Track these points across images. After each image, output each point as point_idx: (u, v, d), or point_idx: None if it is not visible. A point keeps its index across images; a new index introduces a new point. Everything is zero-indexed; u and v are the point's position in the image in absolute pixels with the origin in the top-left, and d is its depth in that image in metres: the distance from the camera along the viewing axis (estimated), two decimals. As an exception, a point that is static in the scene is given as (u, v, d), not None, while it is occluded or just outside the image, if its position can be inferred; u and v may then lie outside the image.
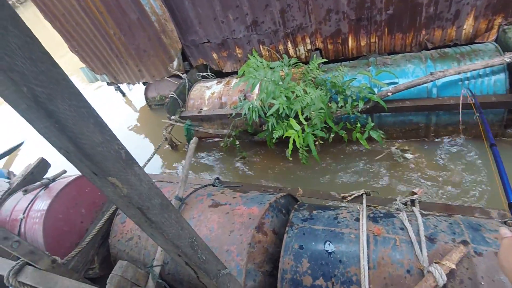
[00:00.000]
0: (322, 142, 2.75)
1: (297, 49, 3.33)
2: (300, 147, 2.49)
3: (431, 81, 2.36)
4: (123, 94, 6.17)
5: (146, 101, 5.10)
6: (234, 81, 3.45)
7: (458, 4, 2.53)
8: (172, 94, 3.67)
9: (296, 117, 2.51)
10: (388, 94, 2.51)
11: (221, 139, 3.61)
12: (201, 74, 4.09)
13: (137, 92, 5.85)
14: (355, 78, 2.67)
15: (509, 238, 0.76)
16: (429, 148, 2.75)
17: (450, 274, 1.33)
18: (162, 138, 3.66)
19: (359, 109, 2.58)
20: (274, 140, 2.72)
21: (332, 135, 2.67)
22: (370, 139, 2.65)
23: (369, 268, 1.45)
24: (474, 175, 2.46)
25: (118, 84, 5.30)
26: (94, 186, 0.68)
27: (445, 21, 2.67)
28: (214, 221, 1.90)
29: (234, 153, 3.43)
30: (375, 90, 2.61)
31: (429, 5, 2.59)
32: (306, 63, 3.34)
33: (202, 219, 1.96)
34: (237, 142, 3.24)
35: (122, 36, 3.87)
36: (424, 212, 1.73)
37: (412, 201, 1.82)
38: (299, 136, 2.36)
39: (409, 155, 2.72)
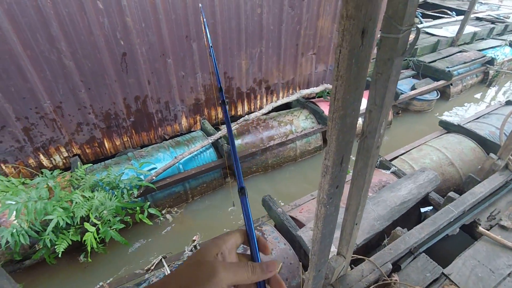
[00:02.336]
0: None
1: (52, 159, 3.38)
2: (96, 246, 2.66)
3: (177, 162, 3.42)
4: None
5: None
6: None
7: (174, 111, 3.87)
8: None
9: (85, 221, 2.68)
10: (153, 178, 3.29)
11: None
12: None
13: None
14: (123, 173, 3.23)
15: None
16: (191, 207, 3.81)
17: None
18: None
19: (135, 195, 3.15)
20: (60, 255, 2.63)
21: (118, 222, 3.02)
22: (151, 216, 3.27)
23: None
24: (224, 211, 3.74)
25: None
26: None
27: (170, 121, 3.93)
28: None
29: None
30: (142, 177, 3.30)
31: (157, 113, 3.75)
32: (67, 169, 3.48)
33: None
34: (3, 279, 2.68)
35: None
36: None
37: (195, 246, 2.63)
38: (95, 237, 2.55)
39: (170, 216, 3.61)
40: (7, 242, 2.54)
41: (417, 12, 9.42)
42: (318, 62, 4.76)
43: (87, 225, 2.59)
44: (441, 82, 5.91)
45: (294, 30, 4.19)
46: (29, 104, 2.94)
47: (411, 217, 3.28)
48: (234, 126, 3.88)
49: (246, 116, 3.99)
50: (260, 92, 4.52)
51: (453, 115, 6.00)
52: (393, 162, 3.79)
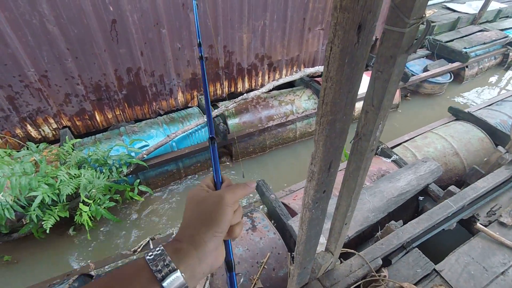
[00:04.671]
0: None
1: (41, 130, 3.28)
2: (88, 221, 2.65)
3: (169, 141, 3.30)
4: None
5: None
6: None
7: (169, 85, 3.69)
8: None
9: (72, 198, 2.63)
10: (144, 156, 3.19)
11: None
12: None
13: None
14: (112, 149, 3.12)
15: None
16: (184, 185, 3.75)
17: (214, 264, 2.17)
18: None
19: (125, 173, 3.07)
20: (47, 230, 2.61)
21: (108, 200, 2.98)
22: (142, 193, 3.22)
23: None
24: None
25: None
26: None
27: (166, 95, 3.76)
28: None
29: (-10, 263, 2.82)
30: (133, 154, 3.20)
31: (151, 87, 3.57)
32: (56, 141, 3.39)
33: None
34: (-9, 250, 2.72)
35: None
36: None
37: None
38: (89, 216, 2.53)
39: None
40: (-6, 215, 2.52)
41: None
42: (326, 39, 4.43)
43: (82, 206, 2.54)
44: (456, 64, 5.54)
45: (302, 2, 3.84)
46: (12, 71, 2.78)
47: (408, 208, 3.19)
48: (232, 105, 3.70)
49: (245, 94, 3.79)
50: (262, 69, 4.27)
51: (465, 100, 5.69)
52: (395, 150, 3.64)
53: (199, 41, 1.09)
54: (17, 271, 2.86)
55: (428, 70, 5.33)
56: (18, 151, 2.92)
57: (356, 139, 1.32)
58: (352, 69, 0.84)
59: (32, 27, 2.64)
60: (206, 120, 3.55)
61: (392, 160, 3.37)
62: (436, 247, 2.77)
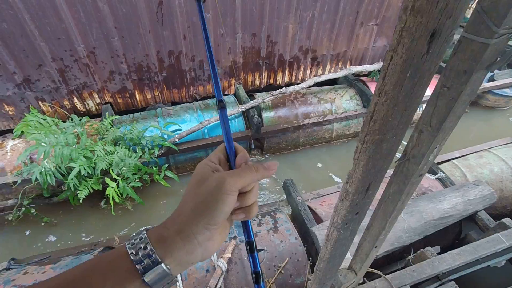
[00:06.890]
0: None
1: (85, 103, 3.43)
2: (119, 198, 2.74)
3: (202, 127, 3.29)
4: None
5: None
6: (11, 143, 3.08)
7: (208, 71, 3.64)
8: None
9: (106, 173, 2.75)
10: (176, 140, 3.21)
11: (7, 212, 3.08)
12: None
13: None
14: (147, 129, 3.18)
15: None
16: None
17: (229, 260, 2.12)
18: None
19: (156, 155, 3.13)
20: (80, 200, 2.76)
21: (137, 179, 3.06)
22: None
23: (182, 281, 2.01)
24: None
25: None
26: None
27: (204, 81, 3.73)
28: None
29: (32, 222, 3.07)
30: (166, 136, 3.24)
31: (190, 71, 3.55)
32: (99, 115, 3.54)
33: (11, 311, 1.82)
34: (33, 210, 2.94)
35: None
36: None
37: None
38: (116, 192, 2.61)
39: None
40: (37, 179, 2.70)
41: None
42: (378, 35, 4.08)
43: (108, 180, 2.63)
44: (530, 77, 4.84)
45: (357, -7, 3.55)
46: (64, 46, 2.91)
47: (448, 233, 2.88)
48: (269, 98, 3.57)
49: (284, 88, 3.63)
50: (305, 63, 4.07)
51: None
52: (442, 166, 3.29)
53: None
54: (54, 232, 3.07)
55: (494, 80, 4.72)
56: (64, 122, 3.09)
57: (403, 160, 1.14)
58: (414, 84, 0.68)
59: (85, 3, 2.72)
60: (240, 110, 3.48)
61: (437, 178, 3.05)
62: (476, 283, 2.48)
